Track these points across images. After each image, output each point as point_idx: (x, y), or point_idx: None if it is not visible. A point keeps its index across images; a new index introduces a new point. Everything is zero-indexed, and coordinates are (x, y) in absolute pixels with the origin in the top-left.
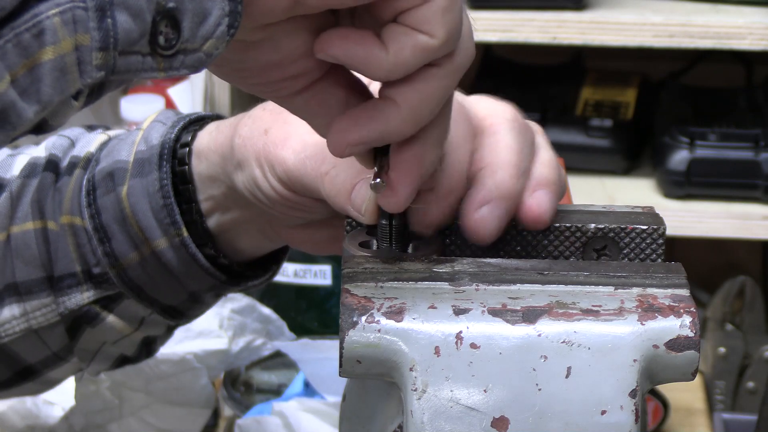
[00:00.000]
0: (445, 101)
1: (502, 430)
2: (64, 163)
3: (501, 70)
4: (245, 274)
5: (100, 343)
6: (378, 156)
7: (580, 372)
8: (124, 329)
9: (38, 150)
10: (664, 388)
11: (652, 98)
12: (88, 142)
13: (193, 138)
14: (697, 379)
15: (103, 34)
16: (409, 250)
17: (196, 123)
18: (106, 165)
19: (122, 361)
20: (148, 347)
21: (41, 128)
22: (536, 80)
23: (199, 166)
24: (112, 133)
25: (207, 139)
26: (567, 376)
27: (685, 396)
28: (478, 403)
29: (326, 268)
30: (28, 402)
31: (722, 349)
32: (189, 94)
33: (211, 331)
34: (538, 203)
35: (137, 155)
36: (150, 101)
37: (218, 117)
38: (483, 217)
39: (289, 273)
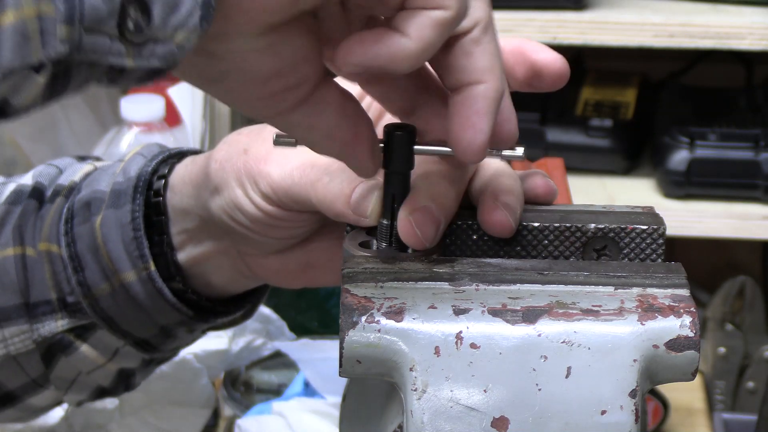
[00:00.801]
0: None
1: (502, 430)
2: (49, 191)
3: None
4: (215, 309)
5: (75, 373)
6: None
7: (580, 372)
8: (98, 359)
9: (26, 178)
10: (664, 388)
11: (652, 98)
12: (74, 172)
13: (171, 170)
14: (697, 379)
15: (68, 7)
16: (409, 250)
17: (176, 157)
18: (85, 194)
19: (100, 392)
20: (126, 380)
21: (3, 111)
22: None
23: (173, 199)
24: (99, 163)
25: (182, 171)
26: (567, 376)
27: (685, 396)
28: (478, 403)
29: None
30: None
31: (722, 349)
32: (189, 94)
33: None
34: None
35: (114, 186)
36: (150, 101)
37: (199, 152)
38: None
39: None
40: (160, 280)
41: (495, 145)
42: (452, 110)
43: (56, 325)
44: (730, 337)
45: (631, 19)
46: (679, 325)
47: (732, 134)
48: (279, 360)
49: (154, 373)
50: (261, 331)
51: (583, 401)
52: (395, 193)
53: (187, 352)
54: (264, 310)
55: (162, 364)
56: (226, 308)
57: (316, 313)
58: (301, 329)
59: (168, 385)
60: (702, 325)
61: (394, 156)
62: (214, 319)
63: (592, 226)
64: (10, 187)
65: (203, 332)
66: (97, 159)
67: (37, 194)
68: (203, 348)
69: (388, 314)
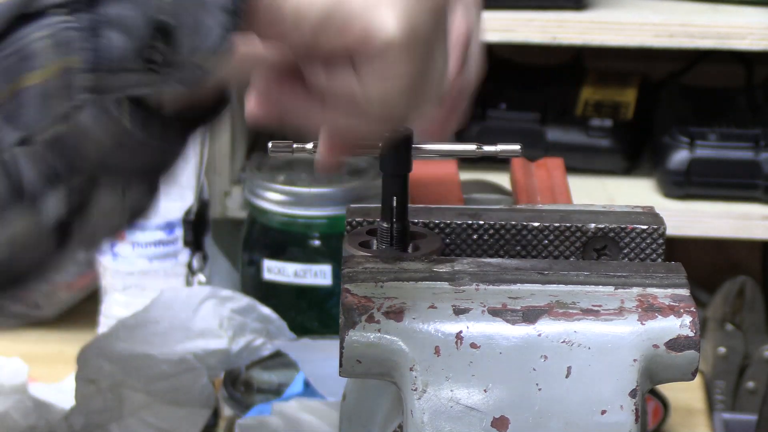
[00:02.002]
0: None
1: (502, 429)
2: None
3: (501, 70)
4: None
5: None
6: None
7: (580, 372)
8: (112, 203)
9: None
10: (664, 388)
11: (652, 98)
12: None
13: None
14: (697, 379)
15: (94, 55)
16: (409, 250)
17: None
18: None
19: None
20: None
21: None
22: (536, 80)
23: None
24: None
25: None
26: (567, 376)
27: (685, 396)
28: (478, 402)
29: (326, 268)
30: (28, 402)
31: (722, 349)
32: None
33: (211, 331)
34: None
35: None
36: None
37: None
38: None
39: (289, 273)
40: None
41: None
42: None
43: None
44: (730, 337)
45: (631, 19)
46: (679, 325)
47: (732, 134)
48: (279, 360)
49: (154, 373)
50: (261, 331)
51: (583, 401)
52: (396, 195)
53: (187, 352)
54: (264, 310)
55: None
56: None
57: (316, 313)
58: (301, 329)
59: (168, 385)
60: (702, 325)
61: (392, 160)
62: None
63: (592, 226)
64: None
65: None
66: None
67: None
68: (203, 348)
69: (388, 314)
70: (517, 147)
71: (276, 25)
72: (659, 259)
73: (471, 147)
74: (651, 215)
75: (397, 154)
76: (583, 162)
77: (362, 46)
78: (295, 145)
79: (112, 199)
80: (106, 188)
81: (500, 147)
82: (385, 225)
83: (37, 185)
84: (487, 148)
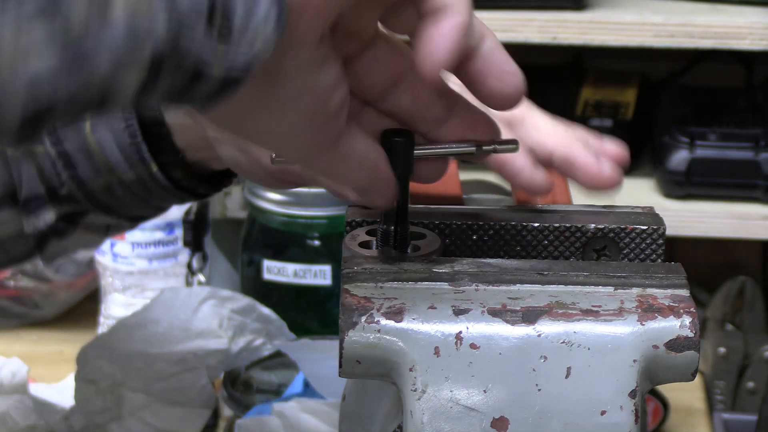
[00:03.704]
0: None
1: (501, 430)
2: None
3: None
4: (217, 186)
5: (64, 249)
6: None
7: (580, 372)
8: (90, 237)
9: None
10: (664, 388)
11: (652, 98)
12: None
13: None
14: (697, 379)
15: (168, 6)
16: (409, 250)
17: None
18: None
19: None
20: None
21: (102, 105)
22: (536, 80)
23: (169, 115)
24: None
25: None
26: (567, 377)
27: (685, 396)
28: (478, 403)
29: (326, 268)
30: (28, 402)
31: (722, 349)
32: None
33: (211, 331)
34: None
35: None
36: None
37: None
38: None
39: (289, 273)
40: (164, 179)
41: (498, 94)
42: (419, 31)
43: (50, 215)
44: (730, 337)
45: (631, 19)
46: (679, 326)
47: (732, 134)
48: (279, 360)
49: (154, 373)
50: (261, 331)
51: (583, 401)
52: (397, 198)
53: (187, 352)
54: (264, 310)
55: None
56: (222, 180)
57: (315, 313)
58: (301, 329)
59: (168, 385)
60: (702, 325)
61: (394, 162)
62: (213, 192)
63: (592, 226)
64: None
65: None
66: None
67: None
68: (203, 348)
69: (388, 314)
70: (515, 142)
71: None
72: (659, 260)
73: (471, 148)
74: (651, 215)
75: (400, 157)
76: None
77: None
78: None
79: (93, 235)
80: (91, 224)
81: (498, 146)
82: (384, 227)
83: (38, 195)
84: (486, 147)
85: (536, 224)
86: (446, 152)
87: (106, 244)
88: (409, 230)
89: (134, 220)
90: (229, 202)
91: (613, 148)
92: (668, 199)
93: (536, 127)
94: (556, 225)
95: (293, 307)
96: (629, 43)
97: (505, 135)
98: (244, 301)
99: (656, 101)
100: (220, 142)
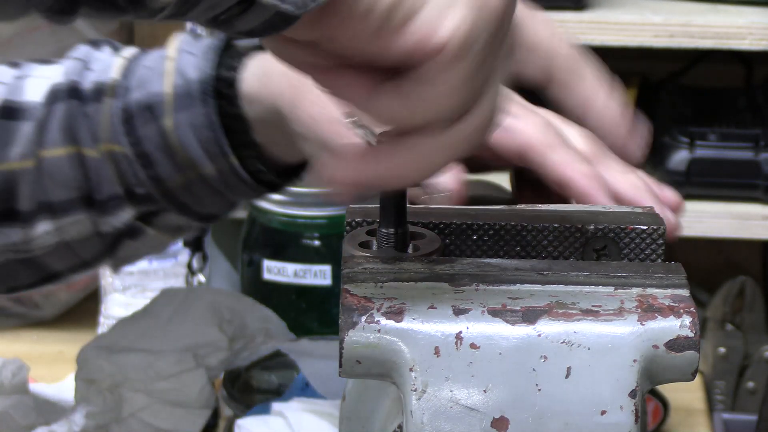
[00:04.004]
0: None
1: (501, 430)
2: (85, 86)
3: None
4: (292, 178)
5: (135, 251)
6: None
7: (580, 372)
8: (160, 239)
9: (52, 72)
10: (664, 388)
11: (652, 98)
12: (107, 67)
13: (233, 70)
14: (697, 379)
15: None
16: (409, 250)
17: (227, 54)
18: (141, 96)
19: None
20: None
21: (140, 3)
22: None
23: (250, 112)
24: (126, 54)
25: (256, 85)
26: (567, 377)
27: (685, 396)
28: (478, 403)
29: (326, 268)
30: (28, 402)
31: (722, 349)
32: None
33: (211, 331)
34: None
35: (176, 89)
36: None
37: (243, 49)
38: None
39: (289, 273)
40: (244, 172)
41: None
42: None
43: (127, 215)
44: (730, 337)
45: (631, 19)
46: (679, 326)
47: (732, 134)
48: (279, 360)
49: (154, 372)
50: (261, 331)
51: (583, 401)
52: (397, 201)
53: (187, 352)
54: (264, 310)
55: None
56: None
57: (316, 313)
58: (301, 329)
59: (168, 385)
60: (702, 325)
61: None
62: (284, 187)
63: (592, 226)
64: (33, 82)
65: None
66: (110, 42)
67: (75, 93)
68: (203, 348)
69: (388, 314)
70: (446, 192)
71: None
72: (659, 260)
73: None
74: (651, 215)
75: None
76: None
77: (421, 45)
78: None
79: (163, 236)
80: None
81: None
82: (384, 230)
83: (117, 195)
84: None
85: (536, 224)
86: None
87: None
88: (409, 230)
89: (205, 219)
90: None
91: (671, 195)
92: None
93: (607, 168)
94: (556, 225)
95: (293, 307)
96: (629, 43)
97: (585, 168)
98: (244, 301)
99: (656, 101)
100: (304, 138)
